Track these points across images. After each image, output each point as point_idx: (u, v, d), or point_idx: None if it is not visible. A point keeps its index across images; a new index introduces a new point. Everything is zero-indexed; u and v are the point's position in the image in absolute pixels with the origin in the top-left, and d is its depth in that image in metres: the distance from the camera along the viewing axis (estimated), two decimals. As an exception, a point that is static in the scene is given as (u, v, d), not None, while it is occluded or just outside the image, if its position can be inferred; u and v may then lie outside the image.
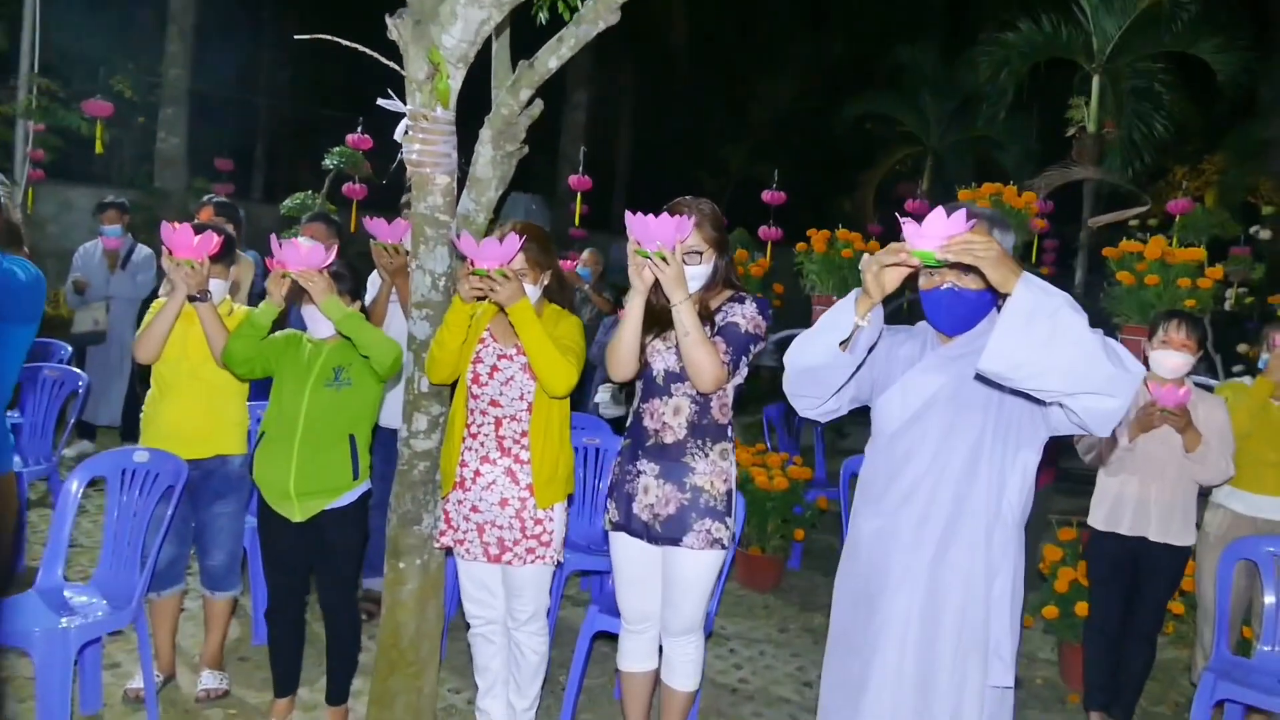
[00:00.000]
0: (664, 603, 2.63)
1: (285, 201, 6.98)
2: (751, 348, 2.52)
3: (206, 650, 3.24)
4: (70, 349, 5.40)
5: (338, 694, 2.95)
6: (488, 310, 2.69)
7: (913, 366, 2.04)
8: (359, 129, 7.11)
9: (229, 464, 3.12)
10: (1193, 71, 9.38)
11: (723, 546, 2.56)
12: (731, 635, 4.16)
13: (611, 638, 3.11)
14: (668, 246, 2.27)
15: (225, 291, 3.13)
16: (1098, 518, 3.39)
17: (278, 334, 2.91)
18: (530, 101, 2.72)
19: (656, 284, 2.38)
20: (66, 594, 2.84)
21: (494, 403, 2.66)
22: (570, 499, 2.80)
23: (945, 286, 1.95)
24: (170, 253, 2.82)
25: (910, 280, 1.89)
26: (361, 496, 2.87)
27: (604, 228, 14.94)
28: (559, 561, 2.74)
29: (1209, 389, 3.58)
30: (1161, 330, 3.24)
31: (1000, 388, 1.89)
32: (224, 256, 3.03)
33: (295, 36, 2.37)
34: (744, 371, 2.55)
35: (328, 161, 7.03)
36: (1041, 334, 1.64)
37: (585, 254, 6.43)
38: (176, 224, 2.85)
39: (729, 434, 2.59)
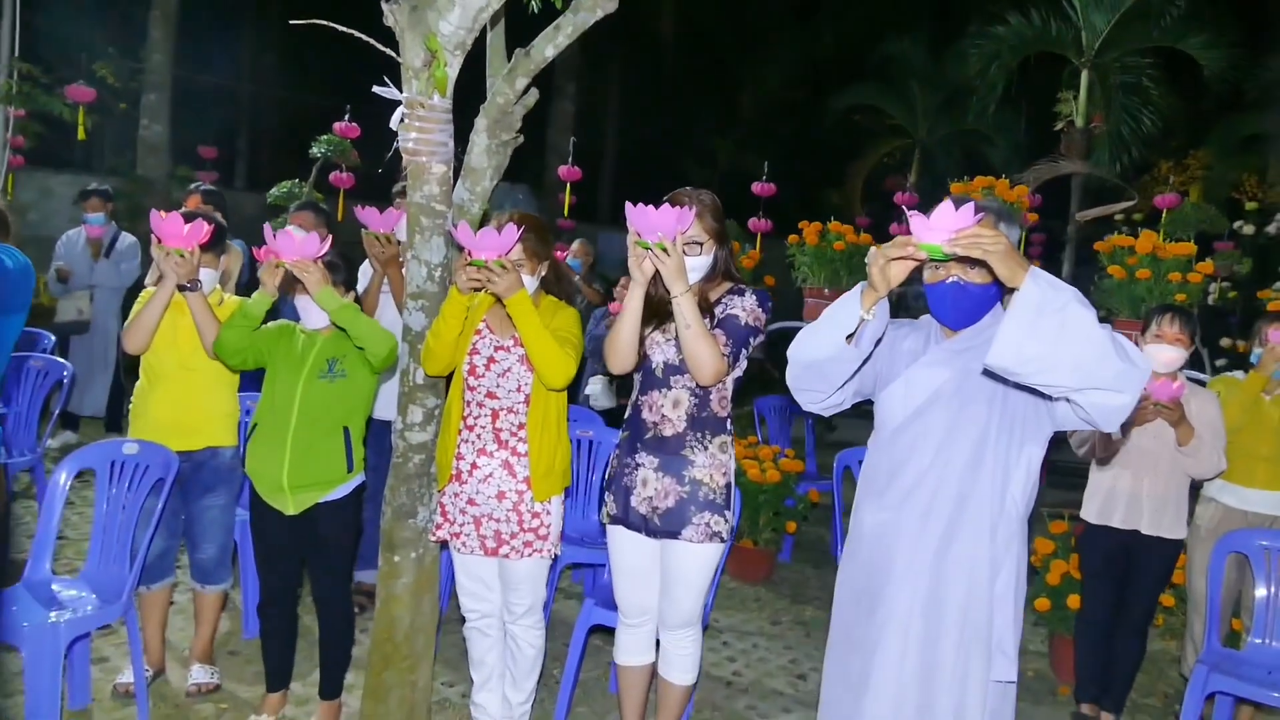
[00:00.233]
0: (662, 596, 2.62)
1: (272, 190, 6.89)
2: (751, 340, 2.50)
3: (196, 644, 3.21)
4: (54, 339, 5.32)
5: (331, 688, 2.92)
6: (484, 301, 2.66)
7: (916, 361, 2.03)
8: (346, 117, 7.03)
9: (220, 456, 3.08)
10: (1179, 67, 9.43)
11: (722, 540, 2.55)
12: (724, 628, 4.16)
13: (605, 631, 3.10)
14: (669, 238, 2.25)
15: (215, 281, 3.09)
16: (1090, 511, 3.40)
17: (270, 325, 2.87)
18: (526, 90, 2.69)
19: (655, 275, 2.36)
20: (55, 588, 2.80)
21: (491, 394, 2.64)
22: (567, 492, 2.78)
23: (950, 280, 1.94)
24: (160, 241, 2.77)
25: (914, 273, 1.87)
26: (356, 489, 2.84)
27: (591, 218, 14.89)
28: (556, 555, 2.72)
29: (1201, 383, 3.59)
30: (1155, 325, 3.25)
31: (1005, 382, 1.88)
32: (214, 245, 2.99)
33: (291, 22, 2.32)
34: (744, 364, 2.53)
35: (315, 149, 6.94)
36: (1050, 329, 1.64)
37: (575, 245, 6.38)
38: (165, 212, 2.80)
39: (728, 427, 2.58)
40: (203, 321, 2.88)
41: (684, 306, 2.32)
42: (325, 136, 6.96)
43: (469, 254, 2.42)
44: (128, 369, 3.25)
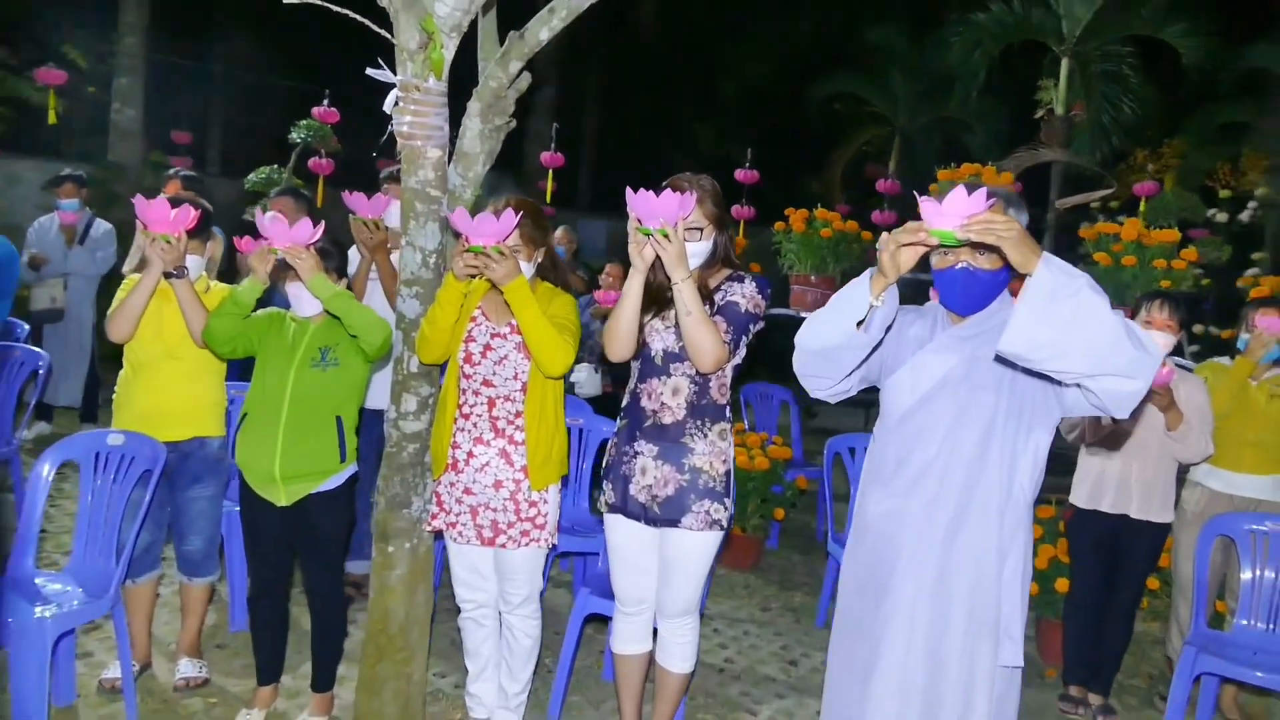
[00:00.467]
0: (661, 585, 2.60)
1: (250, 176, 6.77)
2: (751, 327, 2.48)
3: (184, 638, 3.16)
4: (28, 327, 5.20)
5: (323, 680, 2.89)
6: (479, 287, 2.62)
7: (923, 347, 2.02)
8: (325, 102, 6.91)
9: (207, 446, 3.02)
10: (1156, 55, 9.49)
11: (721, 528, 2.54)
12: (715, 615, 4.16)
13: (598, 619, 3.09)
14: (670, 223, 2.22)
15: (202, 268, 3.02)
16: (1080, 496, 3.44)
17: (260, 312, 2.82)
18: (519, 74, 2.65)
19: (655, 261, 2.34)
20: (39, 582, 2.73)
21: (487, 383, 2.60)
22: (564, 481, 2.76)
23: (960, 266, 1.93)
24: (145, 227, 2.70)
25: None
26: (348, 480, 2.80)
27: (571, 205, 14.79)
28: (553, 544, 2.70)
29: (1188, 369, 3.63)
30: (1144, 311, 3.27)
31: (1014, 368, 1.88)
32: (200, 231, 2.92)
33: (284, 1, 2.26)
34: (743, 351, 2.51)
35: (295, 135, 6.82)
36: (1063, 315, 1.63)
37: (558, 232, 6.32)
38: (148, 198, 2.73)
39: (727, 414, 2.57)
40: (190, 309, 2.82)
41: (685, 293, 2.29)
42: (305, 121, 6.84)
43: (466, 240, 2.38)
44: (104, 358, 3.18)
